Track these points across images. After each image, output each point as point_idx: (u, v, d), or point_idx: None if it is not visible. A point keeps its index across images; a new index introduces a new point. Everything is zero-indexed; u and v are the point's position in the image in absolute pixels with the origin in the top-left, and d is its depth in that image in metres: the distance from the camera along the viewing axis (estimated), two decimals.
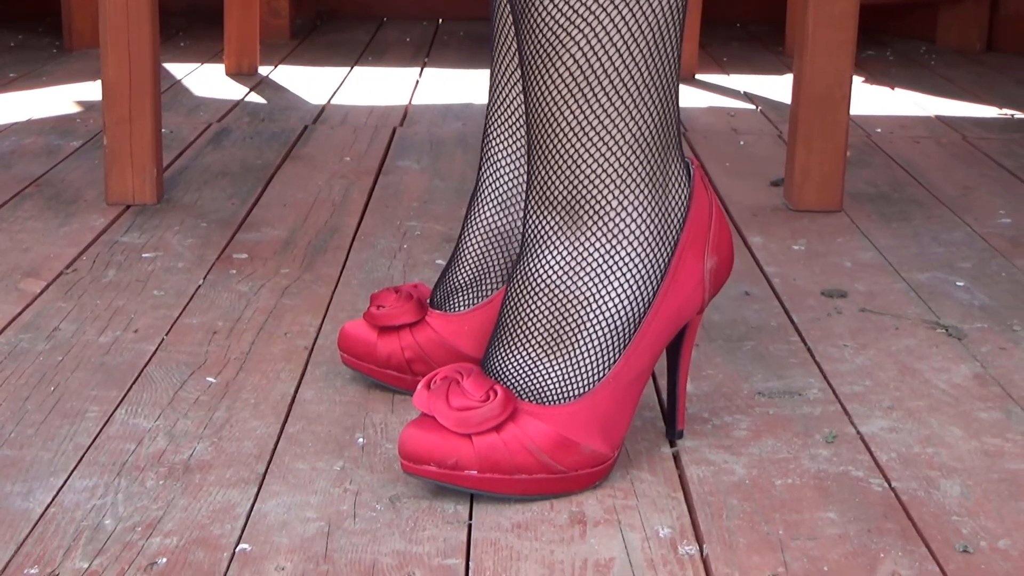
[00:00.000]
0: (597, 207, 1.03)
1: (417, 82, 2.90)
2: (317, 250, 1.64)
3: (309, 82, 2.83)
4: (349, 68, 3.05)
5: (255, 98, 2.64)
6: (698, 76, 2.96)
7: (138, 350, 1.30)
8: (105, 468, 1.06)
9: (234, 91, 2.70)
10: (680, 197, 1.07)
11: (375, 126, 2.39)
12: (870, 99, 2.71)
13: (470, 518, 1.00)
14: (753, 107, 2.64)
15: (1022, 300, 1.50)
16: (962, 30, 3.40)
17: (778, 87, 2.85)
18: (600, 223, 1.03)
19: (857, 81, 2.87)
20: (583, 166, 1.02)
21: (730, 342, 1.36)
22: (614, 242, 1.04)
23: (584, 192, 1.03)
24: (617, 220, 1.04)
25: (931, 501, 1.03)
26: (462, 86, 2.85)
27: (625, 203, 1.04)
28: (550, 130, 1.02)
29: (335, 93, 2.73)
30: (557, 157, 1.02)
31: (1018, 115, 2.58)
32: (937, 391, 1.24)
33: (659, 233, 1.05)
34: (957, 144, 2.31)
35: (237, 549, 0.94)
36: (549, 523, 0.99)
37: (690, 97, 2.73)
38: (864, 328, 1.40)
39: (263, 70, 2.94)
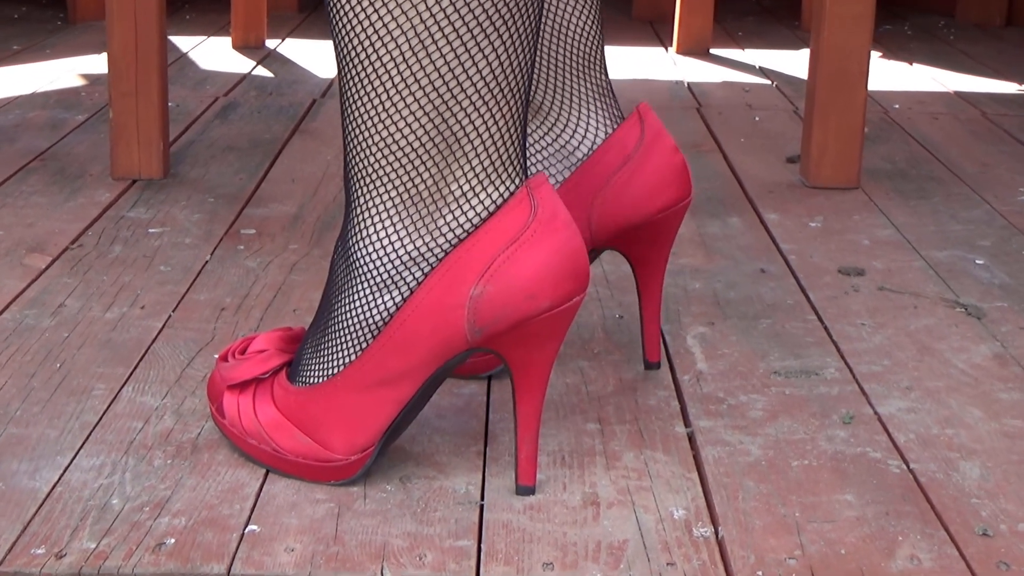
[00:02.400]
0: (361, 194, 0.98)
1: None
2: (326, 226, 1.63)
3: (317, 55, 2.83)
4: None
5: (262, 71, 2.63)
6: (712, 51, 2.95)
7: (145, 327, 1.30)
8: (112, 447, 1.06)
9: (241, 64, 2.70)
10: (471, 209, 0.96)
11: None
12: (888, 74, 2.70)
13: (482, 499, 0.99)
14: (768, 82, 2.63)
15: None
16: (982, 4, 3.38)
17: (794, 62, 2.83)
18: (361, 213, 0.98)
19: (874, 56, 2.86)
20: (354, 153, 0.98)
21: (745, 320, 1.35)
22: (372, 238, 0.98)
23: (354, 176, 0.98)
24: (373, 215, 0.98)
25: (950, 483, 1.03)
26: None
27: (383, 199, 0.97)
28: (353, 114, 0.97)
29: None
30: (347, 135, 0.98)
31: None
32: (956, 371, 1.24)
33: (423, 242, 0.97)
34: (976, 120, 2.30)
35: (246, 530, 0.94)
36: (562, 504, 0.99)
37: (704, 72, 2.72)
38: (882, 307, 1.40)
39: (270, 43, 2.94)
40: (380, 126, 0.95)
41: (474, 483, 1.02)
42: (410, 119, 0.94)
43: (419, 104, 0.93)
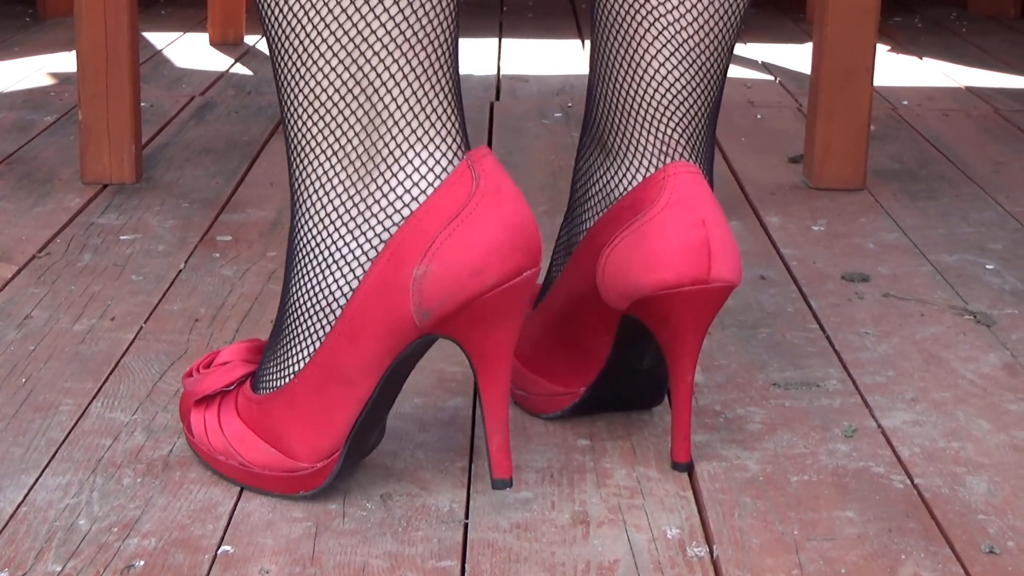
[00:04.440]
0: (298, 163, 1.00)
1: None
2: None
3: None
4: None
5: (241, 69, 2.64)
6: None
7: (115, 339, 1.31)
8: (80, 465, 1.06)
9: (219, 62, 2.70)
10: (410, 186, 0.96)
11: None
12: (896, 69, 2.71)
13: (466, 517, 1.00)
14: (771, 78, 2.64)
15: None
16: None
17: (798, 57, 2.84)
18: (299, 184, 1.00)
19: (882, 50, 2.87)
20: (286, 116, 1.00)
21: (744, 329, 1.36)
22: (312, 210, 0.99)
23: (291, 143, 1.01)
24: (309, 184, 0.99)
25: (956, 499, 1.04)
26: (462, 56, 2.84)
27: (324, 181, 0.99)
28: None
29: None
30: (280, 98, 1.01)
31: None
32: (964, 382, 1.25)
33: (362, 215, 0.97)
34: (988, 117, 2.30)
35: (219, 551, 0.95)
36: (550, 523, 0.99)
37: None
38: (887, 314, 1.41)
39: (249, 39, 2.94)
40: (299, 77, 0.97)
41: (458, 501, 1.02)
42: (325, 67, 0.96)
43: (332, 51, 0.95)
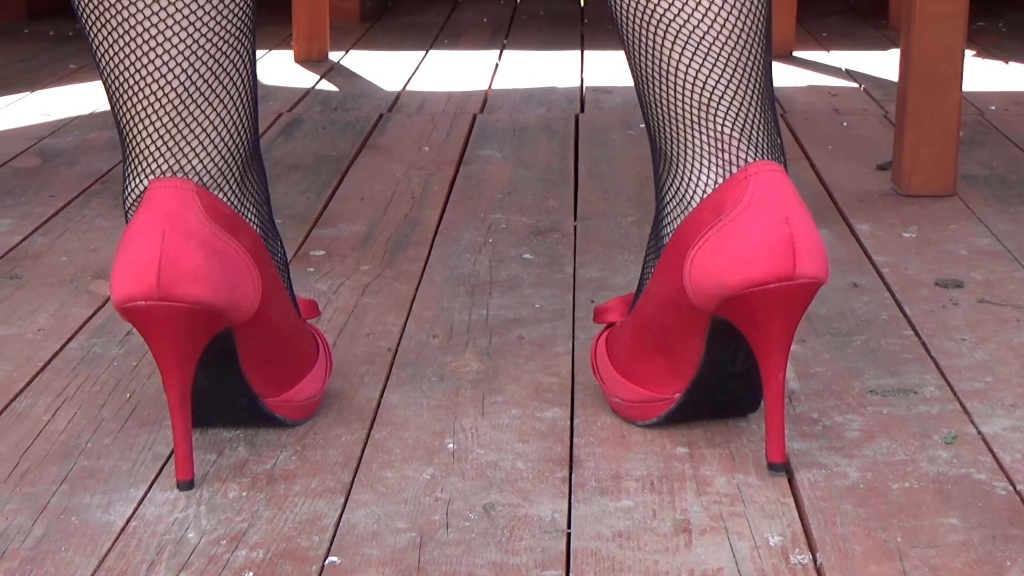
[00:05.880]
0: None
1: (496, 66, 2.91)
2: (398, 245, 1.65)
3: (382, 67, 2.86)
4: (424, 52, 3.07)
5: (326, 85, 2.66)
6: (796, 53, 2.95)
7: None
8: None
9: (304, 79, 2.73)
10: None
11: (454, 113, 2.41)
12: (982, 74, 2.69)
13: (568, 527, 1.01)
14: (856, 85, 2.63)
15: None
16: None
17: (882, 63, 2.83)
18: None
19: (967, 55, 2.85)
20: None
21: (838, 337, 1.36)
22: None
23: None
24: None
25: None
26: (544, 69, 2.86)
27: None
28: None
29: (410, 79, 2.75)
30: None
31: None
32: None
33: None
34: None
35: (326, 562, 0.96)
36: (652, 532, 1.00)
37: (788, 76, 2.72)
38: (983, 320, 1.40)
39: (333, 56, 2.97)
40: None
41: (560, 510, 1.03)
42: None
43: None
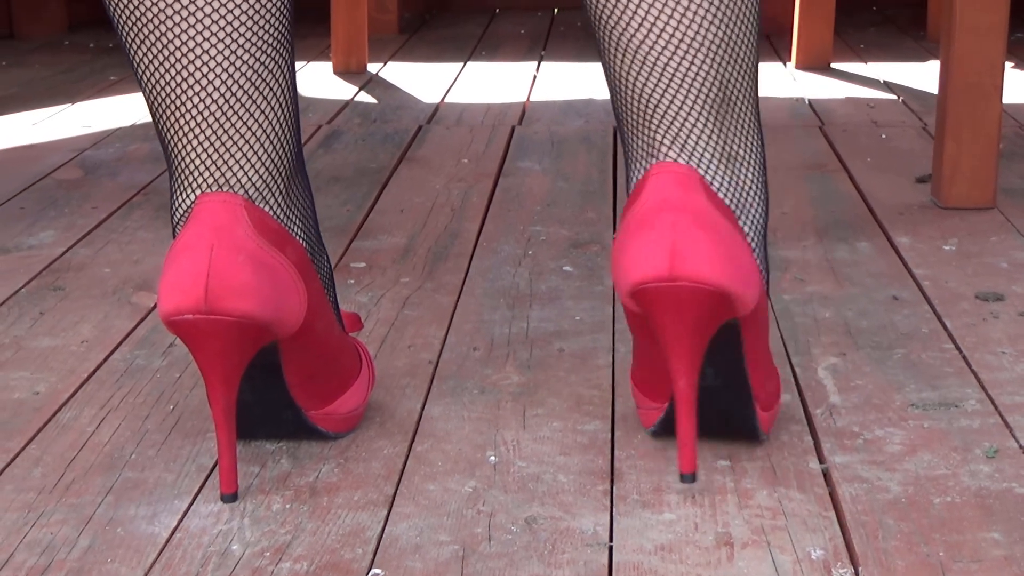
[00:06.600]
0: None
1: (535, 77, 2.92)
2: (438, 257, 1.66)
3: (421, 79, 2.86)
4: (462, 64, 3.08)
5: (365, 97, 2.67)
6: (834, 65, 2.95)
7: None
8: None
9: (343, 90, 2.74)
10: None
11: (492, 125, 2.41)
12: (1020, 86, 2.68)
13: (611, 540, 1.01)
14: (894, 97, 2.62)
15: None
16: None
17: (920, 75, 2.83)
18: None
19: (1007, 66, 2.84)
20: None
21: (879, 350, 1.35)
22: None
23: None
24: None
25: None
26: (582, 80, 2.86)
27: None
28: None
29: (449, 91, 2.76)
30: None
31: None
32: None
33: None
34: None
35: (370, 574, 0.96)
36: (694, 545, 1.00)
37: (826, 87, 2.72)
38: (1023, 334, 1.40)
39: (372, 67, 2.98)
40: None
41: (602, 523, 1.03)
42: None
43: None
